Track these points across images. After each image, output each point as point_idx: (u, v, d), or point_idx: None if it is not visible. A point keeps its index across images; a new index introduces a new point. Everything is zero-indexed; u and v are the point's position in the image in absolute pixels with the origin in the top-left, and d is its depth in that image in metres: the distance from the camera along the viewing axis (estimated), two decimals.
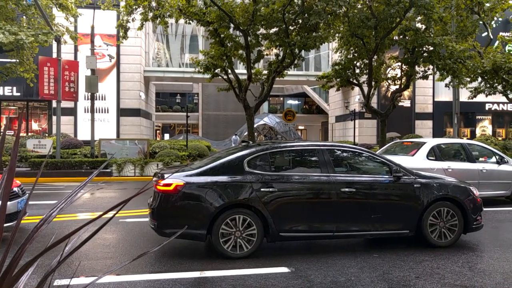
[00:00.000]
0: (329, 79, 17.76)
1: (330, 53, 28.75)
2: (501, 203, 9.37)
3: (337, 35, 16.45)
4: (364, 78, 17.58)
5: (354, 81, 17.27)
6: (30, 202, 8.40)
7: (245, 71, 16.25)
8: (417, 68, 16.34)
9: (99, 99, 23.21)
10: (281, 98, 46.38)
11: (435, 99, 27.00)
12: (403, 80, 17.01)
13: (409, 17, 14.67)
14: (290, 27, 14.53)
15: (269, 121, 33.57)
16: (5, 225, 5.30)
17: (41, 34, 13.71)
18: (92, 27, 17.16)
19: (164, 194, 4.93)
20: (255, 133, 20.73)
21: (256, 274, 4.40)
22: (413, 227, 5.49)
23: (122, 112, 24.29)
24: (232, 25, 14.48)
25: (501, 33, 21.27)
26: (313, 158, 5.58)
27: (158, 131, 42.05)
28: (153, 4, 14.70)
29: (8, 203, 5.64)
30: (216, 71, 15.74)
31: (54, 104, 19.70)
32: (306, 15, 13.83)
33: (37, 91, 17.63)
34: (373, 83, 16.43)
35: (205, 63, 15.51)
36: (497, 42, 20.70)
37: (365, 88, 16.95)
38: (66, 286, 3.94)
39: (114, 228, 6.61)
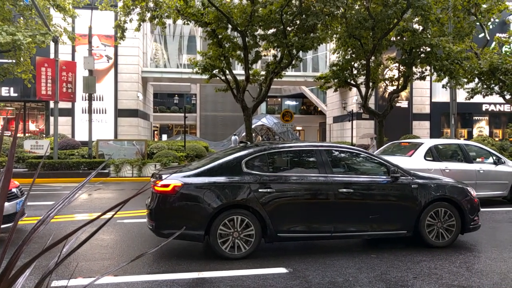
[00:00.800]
0: (326, 80, 17.79)
1: (327, 54, 28.78)
2: (498, 204, 9.40)
3: (334, 36, 16.48)
4: (361, 79, 17.61)
5: (352, 82, 17.30)
6: (28, 203, 8.37)
7: (243, 72, 16.26)
8: (414, 69, 16.38)
9: (96, 100, 23.16)
10: (279, 99, 46.41)
11: (433, 100, 27.07)
12: (400, 81, 17.05)
13: (406, 18, 14.71)
14: (288, 28, 14.55)
15: (267, 122, 33.58)
16: (3, 226, 5.30)
17: (38, 35, 13.69)
18: (90, 28, 17.13)
19: (162, 195, 4.92)
20: (253, 134, 20.72)
21: (254, 275, 4.40)
22: (411, 227, 5.50)
23: (120, 112, 24.25)
24: (230, 26, 14.48)
25: (497, 34, 21.36)
26: (311, 159, 5.59)
27: (156, 132, 41.99)
28: (151, 4, 14.69)
29: (7, 204, 5.63)
30: (214, 72, 15.75)
31: (51, 104, 19.65)
32: (303, 16, 13.86)
33: (35, 92, 17.58)
34: (370, 84, 16.46)
35: (203, 64, 15.51)
36: (494, 43, 20.79)
37: (363, 89, 16.98)
38: (64, 287, 3.93)
39: (112, 229, 6.60)
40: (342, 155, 5.94)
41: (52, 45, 17.08)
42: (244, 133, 20.72)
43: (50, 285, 4.00)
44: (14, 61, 16.56)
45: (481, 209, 6.09)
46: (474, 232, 6.05)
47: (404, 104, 26.46)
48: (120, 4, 15.06)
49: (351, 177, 5.52)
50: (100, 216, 1.29)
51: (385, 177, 5.54)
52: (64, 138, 19.18)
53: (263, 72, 16.59)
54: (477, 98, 19.36)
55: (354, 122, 25.62)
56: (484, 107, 27.81)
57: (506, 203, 9.46)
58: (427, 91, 26.89)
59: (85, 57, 16.85)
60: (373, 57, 15.88)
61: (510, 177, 9.34)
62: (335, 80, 17.24)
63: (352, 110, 25.92)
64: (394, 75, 18.04)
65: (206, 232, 4.92)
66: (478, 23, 17.57)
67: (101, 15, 20.47)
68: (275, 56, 16.25)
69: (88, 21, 17.25)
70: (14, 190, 6.01)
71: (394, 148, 10.29)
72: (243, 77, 15.95)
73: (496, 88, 17.49)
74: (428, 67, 16.32)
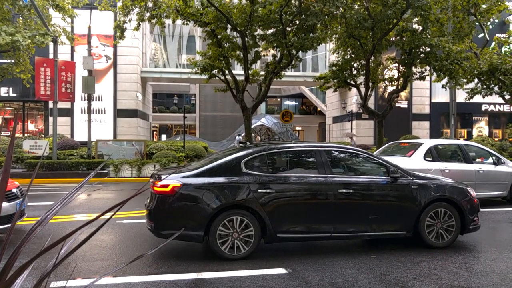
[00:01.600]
0: (326, 80, 17.78)
1: (327, 54, 28.79)
2: (498, 204, 9.40)
3: (334, 36, 16.48)
4: (361, 79, 17.61)
5: (351, 82, 17.29)
6: (27, 204, 8.35)
7: (242, 72, 16.25)
8: (414, 69, 16.38)
9: (96, 100, 23.13)
10: (279, 99, 46.41)
11: (432, 100, 27.08)
12: (400, 81, 17.05)
13: (406, 18, 14.71)
14: (287, 28, 14.54)
15: (267, 122, 33.57)
16: (3, 226, 5.29)
17: (38, 35, 13.66)
18: (89, 28, 17.11)
19: (161, 195, 4.91)
20: (253, 134, 20.72)
21: (253, 276, 4.39)
22: (411, 228, 5.49)
23: (119, 113, 24.23)
24: (229, 26, 14.47)
25: (497, 35, 21.37)
26: (311, 159, 5.58)
27: (155, 132, 41.97)
28: (150, 4, 14.67)
29: (7, 204, 5.61)
30: (214, 72, 15.73)
31: (50, 104, 19.62)
32: (303, 16, 13.85)
33: (34, 92, 17.56)
34: (370, 84, 16.45)
35: (202, 64, 15.50)
36: (493, 43, 20.79)
37: (362, 89, 16.97)
38: None
39: (111, 230, 6.58)
40: (342, 155, 5.93)
41: (51, 45, 17.05)
42: (243, 133, 20.72)
43: (48, 285, 3.99)
44: (13, 61, 16.52)
45: (481, 210, 6.09)
46: (474, 233, 6.03)
47: (403, 104, 26.47)
48: (119, 4, 15.04)
49: (351, 177, 5.50)
50: (98, 217, 1.28)
51: (384, 177, 5.53)
52: (63, 138, 19.15)
53: (262, 72, 16.58)
54: (477, 98, 19.37)
55: (354, 122, 25.63)
56: (483, 107, 27.83)
57: (506, 203, 9.46)
58: (427, 91, 26.90)
59: (84, 57, 16.83)
60: (372, 57, 15.88)
61: (509, 178, 9.34)
62: (335, 80, 17.24)
63: (352, 110, 25.93)
64: (393, 75, 18.03)
65: (205, 233, 4.91)
66: (477, 23, 17.58)
67: (100, 15, 20.46)
68: (274, 56, 16.23)
69: (87, 21, 17.23)
70: (14, 190, 6.00)
71: (394, 148, 10.29)
72: (242, 77, 15.94)
73: (496, 88, 17.50)
74: (427, 67, 16.32)
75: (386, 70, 18.82)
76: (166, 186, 4.88)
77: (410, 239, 5.73)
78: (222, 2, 14.25)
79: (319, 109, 39.75)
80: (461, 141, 11.31)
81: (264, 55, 18.32)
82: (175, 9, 14.54)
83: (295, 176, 5.35)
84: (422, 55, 14.97)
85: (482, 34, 18.56)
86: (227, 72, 15.79)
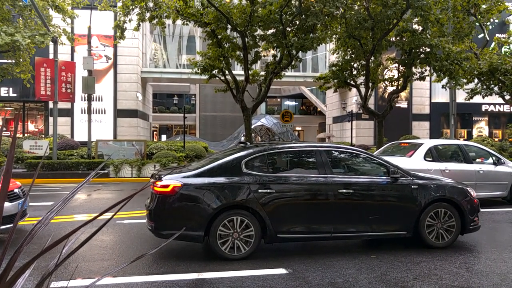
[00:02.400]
0: (326, 80, 17.79)
1: (327, 54, 28.79)
2: (498, 204, 9.40)
3: (334, 36, 16.48)
4: (361, 79, 17.61)
5: (351, 82, 17.30)
6: (13, 204, 8.34)
7: (242, 72, 16.25)
8: (414, 69, 16.39)
9: (96, 100, 23.14)
10: (279, 99, 46.41)
11: (432, 100, 27.09)
12: (400, 81, 17.05)
13: (406, 18, 14.71)
14: (288, 28, 14.55)
15: (267, 122, 33.56)
16: (5, 226, 5.30)
17: (38, 36, 13.66)
18: (89, 28, 17.12)
19: (162, 196, 4.91)
20: (253, 134, 20.72)
21: (253, 276, 4.39)
22: (411, 228, 5.49)
23: (119, 113, 24.23)
24: (229, 26, 14.47)
25: (497, 35, 21.38)
26: (311, 159, 5.58)
27: (155, 132, 41.97)
28: (150, 4, 14.68)
29: (9, 204, 5.62)
30: (214, 72, 15.74)
31: (50, 105, 19.63)
32: (303, 16, 13.85)
33: (34, 92, 17.56)
34: (370, 84, 16.46)
35: (202, 64, 15.50)
36: (493, 43, 20.80)
37: (362, 89, 16.98)
38: None
39: (111, 230, 6.58)
40: (342, 155, 5.93)
41: (51, 45, 17.07)
42: (244, 134, 20.72)
43: (49, 286, 4.00)
44: (13, 61, 16.53)
45: (481, 210, 6.09)
46: (474, 233, 6.04)
47: (403, 104, 26.47)
48: (119, 4, 15.04)
49: (351, 177, 5.51)
50: (97, 217, 1.28)
51: (385, 177, 5.53)
52: (63, 138, 19.15)
53: (262, 73, 16.59)
54: (477, 99, 19.38)
55: (354, 122, 25.62)
56: (483, 108, 27.83)
57: (506, 203, 9.46)
58: (427, 92, 26.91)
59: (84, 57, 16.83)
60: (372, 58, 15.88)
61: (509, 178, 9.34)
62: (335, 81, 17.24)
63: (352, 110, 25.93)
64: (393, 76, 18.04)
65: (205, 233, 4.91)
66: (477, 24, 17.59)
67: (101, 15, 20.46)
68: (274, 56, 16.24)
69: (88, 21, 17.24)
70: (16, 190, 5.99)
71: (394, 149, 10.29)
72: (242, 78, 15.94)
73: (496, 88, 17.51)
74: (427, 68, 16.33)
75: (386, 70, 18.83)
76: (166, 186, 4.88)
77: (410, 239, 5.73)
78: (222, 3, 14.25)
79: (319, 109, 39.76)
80: (461, 141, 11.31)
81: (264, 55, 18.34)
82: (175, 10, 14.54)
83: (296, 176, 5.35)
84: (422, 56, 14.97)
85: (482, 35, 18.57)
86: (227, 72, 15.79)
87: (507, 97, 17.81)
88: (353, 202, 5.33)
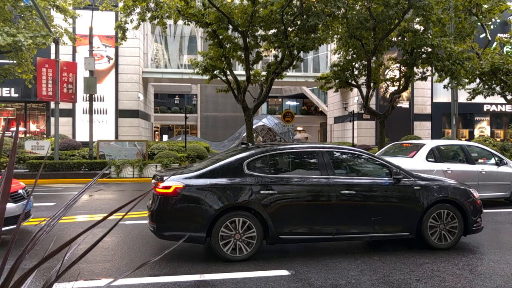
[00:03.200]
0: (327, 80, 17.77)
1: (328, 54, 28.76)
2: (501, 205, 9.37)
3: (335, 36, 16.47)
4: (362, 79, 17.59)
5: (353, 82, 17.28)
6: (17, 205, 8.35)
7: (243, 73, 16.25)
8: (415, 70, 16.36)
9: (97, 100, 23.15)
10: (280, 99, 46.39)
11: (434, 100, 27.04)
12: (401, 81, 17.03)
13: (407, 18, 14.69)
14: (289, 29, 14.54)
15: (268, 122, 33.53)
16: (9, 227, 5.30)
17: (39, 36, 13.67)
18: (91, 28, 17.13)
19: (163, 197, 4.90)
20: (254, 134, 20.69)
21: (256, 277, 4.38)
22: (413, 229, 5.48)
23: (121, 113, 24.25)
24: (230, 26, 14.48)
25: (499, 35, 21.33)
26: (313, 160, 5.56)
27: (156, 132, 41.99)
28: (151, 5, 14.68)
29: (14, 205, 5.62)
30: (215, 72, 15.74)
31: (52, 105, 19.65)
32: (304, 16, 13.84)
33: (35, 92, 17.58)
34: (371, 84, 16.44)
35: (203, 64, 15.50)
36: (495, 43, 20.76)
37: (364, 89, 16.96)
38: None
39: (113, 231, 6.57)
40: (344, 156, 5.91)
41: (52, 45, 17.07)
42: (245, 134, 20.72)
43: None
44: (15, 61, 16.55)
45: (484, 211, 6.06)
46: (477, 234, 6.02)
47: (405, 104, 26.42)
48: (120, 4, 15.04)
49: (353, 178, 5.49)
50: (99, 222, 1.27)
51: (387, 178, 5.51)
52: (65, 138, 19.16)
53: (264, 73, 16.59)
54: (479, 99, 19.35)
55: (355, 122, 25.59)
56: (485, 108, 27.77)
57: (509, 204, 9.43)
58: (428, 92, 26.86)
59: (86, 58, 16.84)
60: (374, 58, 15.87)
61: None
62: (336, 81, 17.23)
63: (353, 110, 25.89)
64: (395, 76, 18.02)
65: (207, 234, 4.90)
66: (479, 24, 17.55)
67: (102, 15, 20.48)
68: (276, 56, 16.24)
69: (89, 21, 17.24)
70: (20, 191, 5.99)
71: (396, 149, 10.26)
72: (244, 78, 15.94)
73: (498, 88, 17.47)
74: (429, 68, 16.30)
75: (388, 70, 18.81)
76: (168, 187, 4.87)
77: (413, 240, 5.71)
78: (224, 3, 14.25)
79: (320, 109, 39.72)
80: (463, 142, 11.28)
81: (265, 56, 18.34)
82: (177, 10, 14.55)
83: (297, 177, 5.33)
84: (423, 56, 14.95)
85: (484, 34, 18.53)
86: (228, 72, 15.79)
87: (509, 97, 17.77)
88: (355, 203, 5.31)
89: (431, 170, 8.35)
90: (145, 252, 5.43)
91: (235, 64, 19.26)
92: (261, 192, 5.01)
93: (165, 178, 4.98)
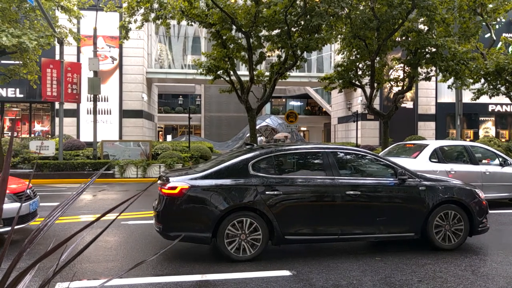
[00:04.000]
0: (331, 81, 17.74)
1: (332, 54, 28.73)
2: (504, 206, 9.31)
3: (339, 36, 16.44)
4: (366, 79, 17.55)
5: (357, 82, 17.24)
6: (24, 204, 8.38)
7: (247, 73, 16.25)
8: (419, 70, 16.30)
9: (101, 101, 23.26)
10: (283, 99, 46.37)
11: (438, 101, 26.92)
12: (405, 82, 16.97)
13: (411, 18, 14.63)
14: (292, 29, 14.53)
15: (271, 123, 33.54)
16: (17, 227, 5.35)
17: (43, 37, 13.74)
18: (95, 29, 17.21)
19: (169, 197, 4.93)
20: (257, 134, 20.70)
21: (257, 278, 4.39)
22: (419, 230, 5.47)
23: (125, 113, 24.34)
24: (234, 26, 14.49)
25: (504, 34, 21.21)
26: (318, 161, 5.57)
27: (160, 133, 42.11)
28: (155, 5, 14.72)
29: (21, 204, 5.65)
30: (219, 72, 15.75)
31: (57, 105, 19.75)
32: (308, 16, 13.82)
33: (40, 93, 17.67)
34: (375, 84, 16.40)
35: (207, 64, 15.52)
36: (500, 43, 20.61)
37: (368, 90, 16.91)
38: None
39: (116, 231, 6.60)
40: (349, 157, 5.90)
41: (57, 46, 17.16)
42: (248, 134, 20.74)
43: (53, 287, 4.01)
44: (20, 62, 16.64)
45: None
46: (480, 235, 5.98)
47: (409, 104, 26.33)
48: (124, 5, 15.10)
49: (358, 179, 5.51)
50: (97, 220, 1.28)
51: (392, 179, 5.51)
52: (69, 139, 19.26)
53: (267, 73, 16.58)
54: (483, 99, 19.22)
55: (359, 123, 25.53)
56: (490, 108, 27.62)
57: None
58: (433, 92, 26.75)
59: (90, 58, 16.92)
60: (378, 58, 15.82)
61: None
62: (340, 81, 17.19)
63: (357, 110, 25.84)
64: (399, 76, 17.96)
65: (213, 235, 4.93)
66: (484, 23, 17.45)
67: (106, 16, 20.56)
68: (279, 57, 16.22)
69: (93, 22, 17.33)
70: (27, 191, 6.03)
71: (399, 150, 10.23)
72: (247, 78, 15.95)
73: (503, 88, 17.36)
74: (433, 68, 16.24)
75: (392, 70, 18.74)
76: (174, 188, 4.90)
77: (416, 241, 5.69)
78: (227, 3, 14.27)
79: (324, 109, 39.67)
80: (467, 142, 11.22)
81: (269, 56, 18.32)
82: (180, 10, 14.58)
83: (303, 178, 5.34)
84: (427, 56, 14.89)
85: (488, 34, 18.42)
86: (232, 73, 15.80)
87: None
88: (360, 204, 5.31)
89: (434, 170, 8.31)
90: (148, 252, 5.45)
91: (239, 64, 19.28)
92: (266, 192, 5.03)
93: (171, 179, 5.01)
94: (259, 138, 26.00)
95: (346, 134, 28.98)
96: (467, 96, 20.72)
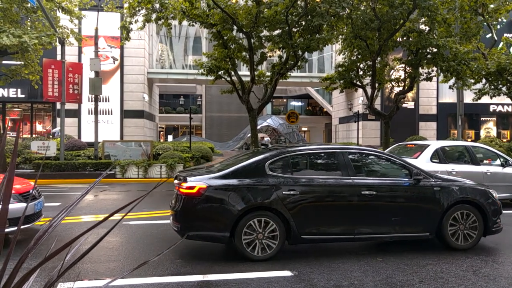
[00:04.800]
0: (332, 81, 17.73)
1: (333, 54, 28.71)
2: (506, 206, 9.27)
3: (340, 36, 16.43)
4: (367, 80, 17.53)
5: (358, 82, 17.23)
6: (29, 205, 8.40)
7: (248, 73, 16.26)
8: (420, 70, 16.28)
9: (102, 101, 23.28)
10: (284, 100, 46.38)
11: (439, 101, 26.90)
12: (406, 82, 16.96)
13: (412, 18, 14.62)
14: (293, 29, 14.53)
15: (272, 123, 33.55)
16: (22, 227, 5.38)
17: (44, 36, 13.76)
18: (96, 29, 17.23)
19: (187, 197, 4.97)
20: (264, 135, 20.68)
21: (259, 278, 4.39)
22: (433, 230, 5.50)
23: (126, 113, 24.36)
24: (235, 27, 14.49)
25: (505, 35, 21.20)
26: (334, 161, 5.61)
27: (161, 133, 42.13)
28: (156, 5, 14.73)
29: (26, 204, 5.68)
30: (220, 73, 15.76)
31: (58, 106, 19.78)
32: (309, 16, 13.83)
33: (42, 93, 17.70)
34: (376, 85, 16.39)
35: (208, 65, 15.53)
36: (501, 43, 20.59)
37: (369, 90, 16.91)
38: None
39: (117, 231, 6.61)
40: (364, 157, 5.94)
41: (58, 47, 17.19)
42: (249, 134, 20.74)
43: (56, 287, 4.02)
44: (22, 62, 16.68)
45: None
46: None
47: (410, 105, 26.32)
48: (126, 5, 15.11)
49: (374, 179, 5.54)
50: (101, 223, 1.29)
51: (407, 179, 5.54)
52: (70, 139, 19.29)
53: (268, 73, 16.58)
54: (485, 99, 19.20)
55: (360, 123, 25.53)
56: (491, 108, 27.59)
57: None
58: (434, 92, 26.73)
59: (91, 59, 16.94)
60: (379, 58, 15.81)
61: None
62: (341, 81, 17.18)
63: (358, 111, 25.83)
64: (400, 76, 17.95)
65: (230, 234, 4.96)
66: (485, 24, 17.43)
67: (107, 16, 20.59)
68: (280, 57, 16.22)
69: (95, 22, 17.35)
70: (31, 191, 6.04)
71: (400, 150, 10.23)
72: (248, 78, 15.95)
73: (504, 88, 17.34)
74: (434, 68, 16.22)
75: (393, 71, 18.73)
76: (192, 187, 4.93)
77: (417, 241, 5.70)
78: (228, 4, 14.27)
79: (325, 109, 39.66)
80: (468, 143, 11.22)
81: (270, 56, 18.34)
82: (181, 11, 14.58)
83: (319, 178, 5.37)
84: (429, 56, 14.88)
85: (490, 34, 18.41)
86: (233, 73, 15.80)
87: None
88: (376, 204, 5.34)
89: (436, 171, 8.29)
90: (150, 252, 5.46)
91: (240, 64, 19.28)
92: (283, 192, 5.07)
93: (188, 178, 5.04)
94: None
95: (347, 135, 28.97)
96: (469, 97, 20.69)
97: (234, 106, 39.41)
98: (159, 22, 15.22)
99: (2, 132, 16.19)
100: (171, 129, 44.97)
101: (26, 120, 25.41)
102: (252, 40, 14.81)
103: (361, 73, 17.18)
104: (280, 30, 14.50)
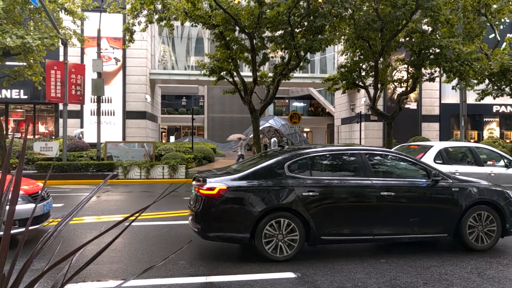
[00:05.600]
0: (334, 82, 17.71)
1: (335, 55, 28.68)
2: None
3: (342, 37, 16.41)
4: (370, 80, 17.50)
5: (360, 83, 17.21)
6: (38, 205, 8.41)
7: (250, 74, 16.26)
8: (423, 70, 16.25)
9: (105, 102, 23.33)
10: (287, 100, 46.37)
11: (442, 101, 26.83)
12: (409, 83, 16.92)
13: (415, 19, 14.59)
14: (296, 30, 14.52)
15: (275, 124, 33.52)
16: (31, 227, 5.39)
17: (47, 38, 13.80)
18: (99, 31, 17.26)
19: (207, 198, 4.98)
20: (260, 135, 20.67)
21: (262, 280, 4.38)
22: (452, 230, 5.50)
23: (128, 114, 24.40)
24: (237, 28, 14.50)
25: (508, 35, 21.12)
26: (352, 162, 5.62)
27: (163, 134, 42.19)
28: (159, 6, 14.75)
29: (36, 205, 5.69)
30: (222, 74, 15.76)
31: (61, 107, 19.83)
32: (311, 17, 13.81)
33: (44, 94, 17.73)
34: (379, 85, 16.35)
35: (210, 65, 15.54)
36: (504, 43, 20.52)
37: (371, 91, 16.87)
38: None
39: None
40: (383, 158, 5.94)
41: (61, 48, 17.23)
42: (251, 135, 20.73)
43: None
44: (25, 63, 16.72)
45: None
46: None
47: (413, 105, 26.26)
48: (128, 6, 15.14)
49: (392, 180, 5.54)
50: (114, 226, 1.28)
51: (425, 180, 5.55)
52: (73, 140, 19.33)
53: (270, 74, 16.58)
54: (488, 100, 19.15)
55: (363, 123, 25.48)
56: (494, 109, 27.50)
57: None
58: (437, 93, 26.66)
59: (94, 60, 16.97)
60: (381, 59, 15.78)
61: None
62: (343, 82, 17.17)
63: (361, 111, 25.79)
64: (402, 77, 17.91)
65: (251, 235, 4.96)
66: (488, 24, 17.37)
67: (110, 18, 20.63)
68: (282, 58, 16.23)
69: (97, 23, 17.38)
70: (40, 192, 6.06)
71: (403, 151, 10.18)
72: (250, 79, 15.95)
73: (507, 89, 17.28)
74: (437, 69, 16.18)
75: (395, 71, 18.70)
76: (212, 189, 4.95)
77: (419, 243, 5.67)
78: (231, 4, 14.27)
79: (327, 110, 39.62)
80: (471, 144, 11.17)
81: (272, 57, 18.32)
82: (184, 12, 14.60)
83: (338, 179, 5.38)
84: (431, 56, 14.84)
85: (493, 35, 18.34)
86: (235, 74, 15.81)
87: None
88: (394, 205, 5.34)
89: None
90: (152, 253, 5.45)
91: (242, 65, 19.28)
92: (303, 193, 5.08)
93: (208, 180, 5.05)
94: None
95: (349, 135, 28.92)
96: (471, 97, 20.64)
97: (236, 107, 39.44)
98: (162, 23, 15.24)
99: (5, 133, 16.23)
100: (173, 130, 45.02)
101: (28, 121, 25.47)
102: (254, 41, 14.81)
103: (363, 73, 17.16)
104: (283, 31, 14.50)
